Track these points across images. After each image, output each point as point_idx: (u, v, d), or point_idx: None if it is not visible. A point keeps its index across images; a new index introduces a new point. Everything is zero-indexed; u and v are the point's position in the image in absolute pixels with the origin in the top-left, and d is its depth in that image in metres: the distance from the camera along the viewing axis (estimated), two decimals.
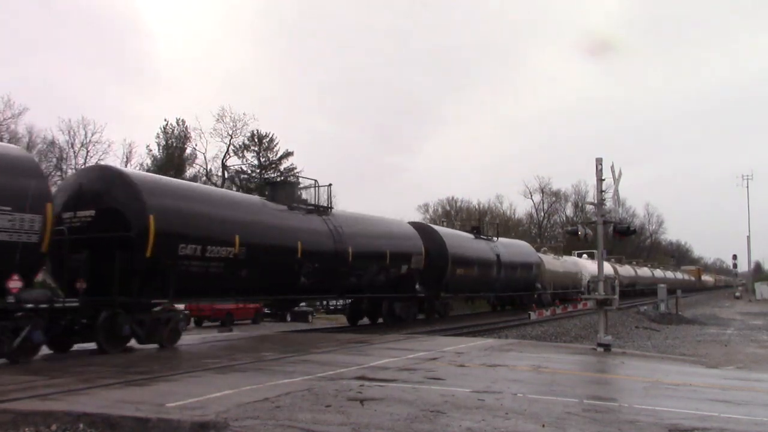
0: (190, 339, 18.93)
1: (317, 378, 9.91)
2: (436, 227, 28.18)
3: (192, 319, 29.90)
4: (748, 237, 79.96)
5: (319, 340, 16.65)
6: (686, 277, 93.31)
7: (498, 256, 31.83)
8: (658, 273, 76.76)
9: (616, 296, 16.34)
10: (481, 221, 41.88)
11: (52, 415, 7.06)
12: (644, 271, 69.61)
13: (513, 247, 35.96)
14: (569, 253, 52.70)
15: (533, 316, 22.97)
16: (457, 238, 29.50)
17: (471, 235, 31.68)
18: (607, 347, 15.78)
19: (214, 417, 6.93)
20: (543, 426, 6.92)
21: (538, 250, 51.36)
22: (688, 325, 34.39)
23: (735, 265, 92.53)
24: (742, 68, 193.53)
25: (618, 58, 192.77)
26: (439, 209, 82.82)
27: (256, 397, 8.17)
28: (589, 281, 16.80)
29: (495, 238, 33.53)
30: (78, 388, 8.90)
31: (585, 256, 51.83)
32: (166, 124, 55.17)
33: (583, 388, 10.19)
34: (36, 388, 8.82)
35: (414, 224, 27.06)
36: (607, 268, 48.99)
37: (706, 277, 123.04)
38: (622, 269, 59.87)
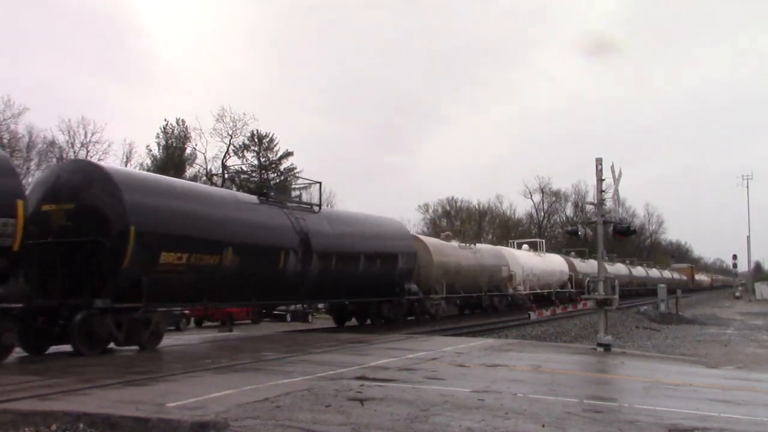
0: (189, 339, 18.95)
1: (317, 378, 9.91)
2: (105, 166, 15.22)
3: (192, 319, 30.00)
4: (748, 237, 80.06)
5: (318, 340, 16.65)
6: (676, 276, 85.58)
7: (305, 235, 18.13)
8: (639, 271, 66.37)
9: (616, 296, 16.33)
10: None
11: (52, 415, 7.05)
12: (619, 269, 56.54)
13: (351, 224, 21.63)
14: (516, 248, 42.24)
15: (533, 316, 22.96)
16: (163, 190, 15.29)
17: (252, 199, 17.77)
18: (607, 347, 15.79)
19: (214, 417, 6.93)
20: (543, 426, 6.92)
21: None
22: (688, 325, 34.37)
23: (735, 265, 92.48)
24: (742, 68, 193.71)
25: (618, 58, 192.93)
26: (439, 209, 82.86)
27: (256, 397, 8.17)
28: (588, 281, 16.77)
29: (316, 207, 19.85)
30: (78, 388, 8.89)
31: (525, 246, 42.24)
32: (166, 124, 55.27)
33: (583, 388, 10.20)
34: (36, 388, 8.81)
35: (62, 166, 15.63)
36: (557, 260, 43.04)
37: (701, 276, 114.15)
38: (586, 265, 48.20)
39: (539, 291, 38.77)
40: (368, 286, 21.65)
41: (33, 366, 11.58)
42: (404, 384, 9.53)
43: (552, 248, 49.11)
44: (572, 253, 49.40)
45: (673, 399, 9.32)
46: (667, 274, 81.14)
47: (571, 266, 44.63)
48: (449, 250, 28.78)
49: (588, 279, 16.97)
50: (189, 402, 7.75)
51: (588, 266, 48.06)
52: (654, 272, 74.46)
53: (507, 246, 41.83)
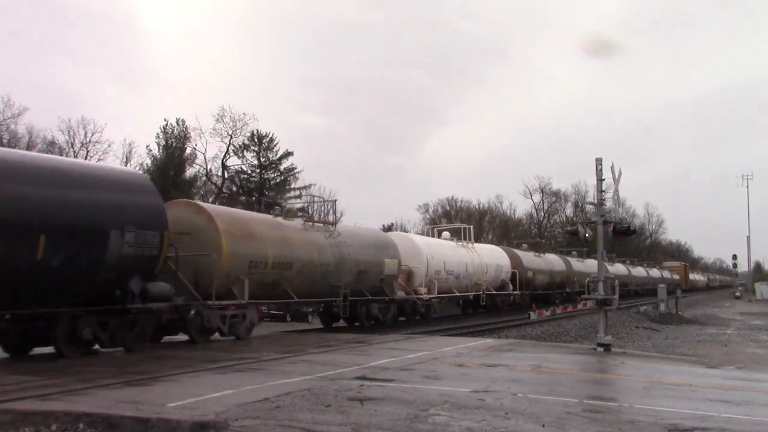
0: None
1: (317, 378, 9.91)
2: None
3: None
4: (748, 237, 79.96)
5: (318, 340, 16.65)
6: (667, 275, 78.36)
7: None
8: (619, 269, 55.86)
9: (616, 296, 16.34)
10: None
11: (52, 415, 7.06)
12: (590, 265, 40.40)
13: None
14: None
15: (533, 316, 22.91)
16: None
17: None
18: (607, 347, 15.80)
19: (214, 417, 6.93)
20: (543, 426, 6.93)
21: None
22: (688, 325, 34.35)
23: (735, 265, 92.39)
24: (742, 68, 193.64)
25: (618, 58, 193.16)
26: (439, 209, 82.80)
27: (256, 397, 8.17)
28: (588, 281, 16.76)
29: None
30: (78, 388, 8.89)
31: (446, 234, 31.72)
32: (166, 124, 55.12)
33: (583, 388, 10.21)
34: (36, 388, 8.82)
35: None
36: (493, 254, 32.58)
37: (696, 276, 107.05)
38: (540, 260, 39.09)
39: (458, 294, 28.92)
40: (21, 288, 11.45)
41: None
42: (404, 384, 9.53)
43: (552, 249, 46.95)
44: (524, 245, 40.27)
45: (673, 399, 9.33)
46: (656, 272, 74.70)
47: (516, 262, 34.55)
48: (271, 232, 18.02)
49: (588, 279, 16.95)
50: (189, 402, 7.76)
51: (543, 262, 38.83)
52: (639, 271, 67.10)
53: (432, 234, 32.21)
